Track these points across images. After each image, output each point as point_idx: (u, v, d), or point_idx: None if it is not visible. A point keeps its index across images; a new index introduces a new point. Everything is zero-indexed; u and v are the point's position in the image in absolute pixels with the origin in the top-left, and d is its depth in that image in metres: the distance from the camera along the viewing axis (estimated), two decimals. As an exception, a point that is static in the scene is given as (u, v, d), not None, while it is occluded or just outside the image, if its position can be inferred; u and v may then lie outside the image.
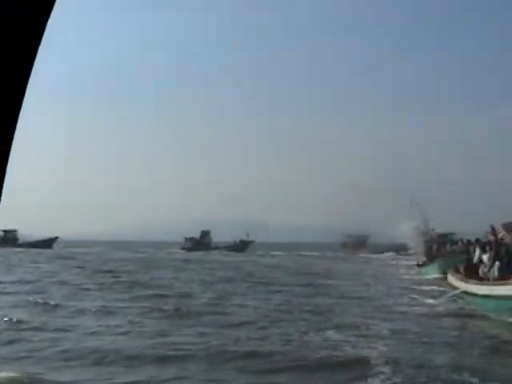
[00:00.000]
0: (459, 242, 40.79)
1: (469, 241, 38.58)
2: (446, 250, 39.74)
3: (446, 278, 27.55)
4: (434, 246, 42.87)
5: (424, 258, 42.07)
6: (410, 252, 50.23)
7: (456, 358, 11.71)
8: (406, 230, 51.12)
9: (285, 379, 10.53)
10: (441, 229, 46.82)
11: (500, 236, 20.57)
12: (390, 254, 66.89)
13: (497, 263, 18.92)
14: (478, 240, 23.59)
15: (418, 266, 41.68)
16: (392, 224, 54.43)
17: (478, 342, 13.70)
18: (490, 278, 18.96)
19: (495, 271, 18.80)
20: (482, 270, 20.53)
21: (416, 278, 34.97)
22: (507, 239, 19.83)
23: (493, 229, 21.51)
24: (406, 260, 49.06)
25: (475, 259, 22.32)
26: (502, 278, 18.07)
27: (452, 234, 45.61)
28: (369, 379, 10.12)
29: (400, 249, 57.56)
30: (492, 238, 21.16)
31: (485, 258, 20.54)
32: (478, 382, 9.79)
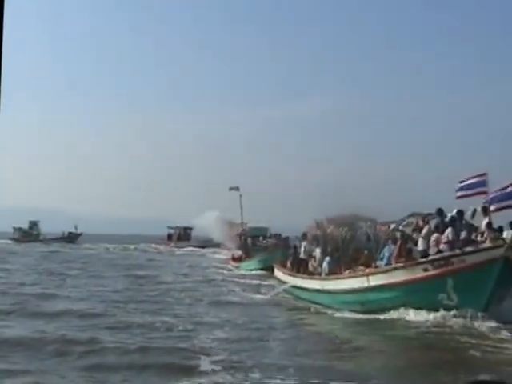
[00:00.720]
0: (271, 237, 42.25)
1: (280, 235, 40.31)
2: (261, 244, 40.46)
3: (268, 273, 28.00)
4: (249, 240, 43.53)
5: (239, 252, 42.20)
6: (229, 246, 50.27)
7: (287, 347, 12.22)
8: (209, 221, 51.48)
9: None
10: (257, 223, 46.59)
11: (328, 231, 20.75)
12: (213, 249, 67.10)
13: (327, 258, 19.12)
14: (304, 235, 22.99)
15: (234, 259, 41.16)
16: (196, 215, 54.42)
17: (304, 333, 14.21)
18: (322, 273, 19.02)
19: (326, 266, 18.90)
20: (311, 265, 20.65)
21: (238, 272, 35.15)
22: (336, 233, 20.08)
23: (317, 223, 21.80)
24: (225, 255, 49.33)
25: (302, 254, 22.62)
26: (333, 272, 18.36)
27: (265, 228, 45.93)
28: (209, 357, 10.50)
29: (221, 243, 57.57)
30: (318, 232, 21.49)
31: (317, 252, 20.55)
32: (313, 361, 10.51)
